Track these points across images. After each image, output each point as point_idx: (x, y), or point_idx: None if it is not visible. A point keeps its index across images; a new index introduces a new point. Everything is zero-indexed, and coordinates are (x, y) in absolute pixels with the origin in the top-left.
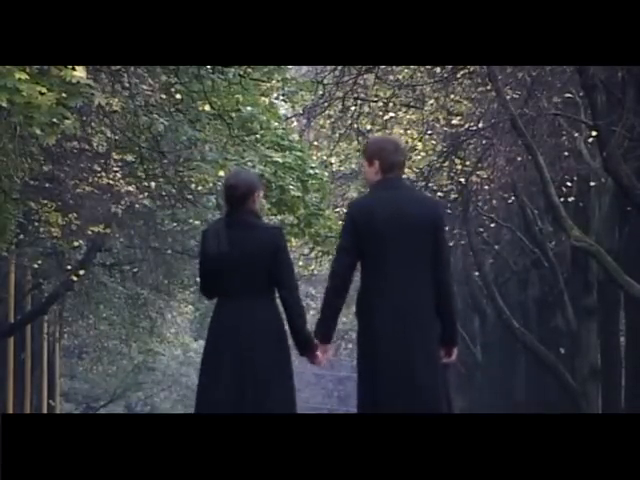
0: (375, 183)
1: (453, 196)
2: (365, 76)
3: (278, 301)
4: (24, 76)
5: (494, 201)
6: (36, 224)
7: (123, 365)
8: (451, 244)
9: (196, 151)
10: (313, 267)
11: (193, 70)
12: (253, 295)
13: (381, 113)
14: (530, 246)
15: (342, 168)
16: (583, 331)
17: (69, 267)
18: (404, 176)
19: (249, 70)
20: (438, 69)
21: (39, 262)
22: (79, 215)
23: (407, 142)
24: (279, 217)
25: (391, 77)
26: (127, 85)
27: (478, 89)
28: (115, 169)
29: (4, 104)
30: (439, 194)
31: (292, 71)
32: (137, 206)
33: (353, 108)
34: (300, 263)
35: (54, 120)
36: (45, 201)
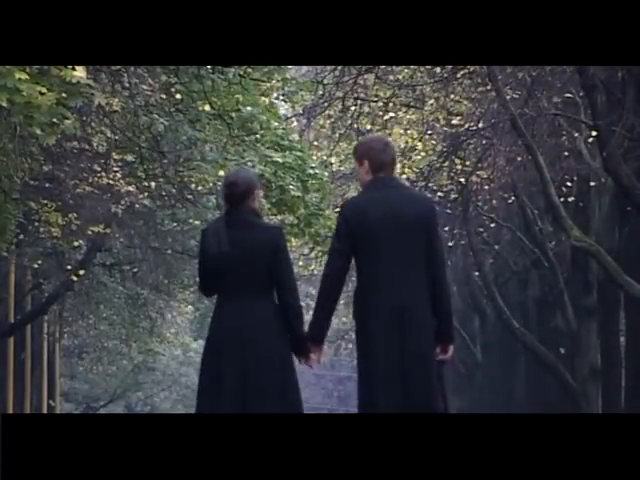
0: (367, 183)
1: (453, 196)
2: (365, 76)
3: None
4: (24, 76)
5: (494, 201)
6: (36, 224)
7: (123, 365)
8: (451, 244)
9: (196, 151)
10: (313, 267)
11: (193, 70)
12: (253, 294)
13: (381, 113)
14: (530, 246)
15: (342, 168)
16: (583, 331)
17: (69, 267)
18: (404, 176)
19: (249, 70)
20: (438, 69)
21: (39, 262)
22: (79, 215)
23: (407, 142)
24: (279, 217)
25: (391, 77)
26: (127, 85)
27: (478, 89)
28: (115, 169)
29: (4, 104)
30: (439, 194)
31: (292, 71)
32: (137, 206)
33: (353, 108)
34: (300, 263)
35: (54, 120)
36: (45, 201)
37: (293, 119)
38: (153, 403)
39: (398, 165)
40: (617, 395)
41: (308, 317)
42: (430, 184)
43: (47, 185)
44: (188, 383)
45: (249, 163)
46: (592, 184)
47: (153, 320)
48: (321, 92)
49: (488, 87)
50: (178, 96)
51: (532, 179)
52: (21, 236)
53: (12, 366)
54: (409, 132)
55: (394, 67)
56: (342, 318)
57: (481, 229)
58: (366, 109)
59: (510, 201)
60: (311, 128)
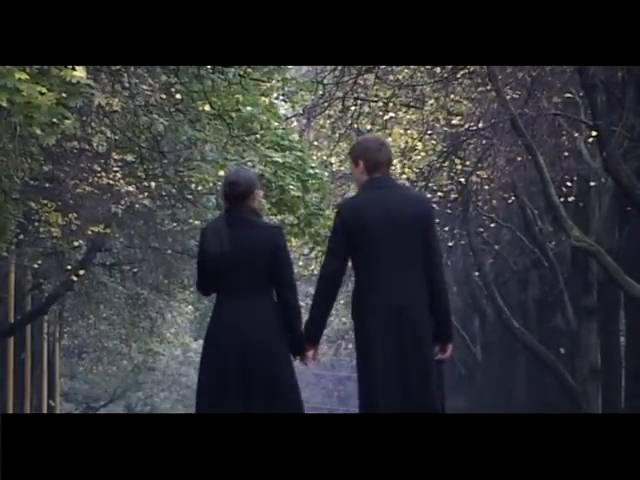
0: (363, 183)
1: (453, 196)
2: (365, 76)
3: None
4: (24, 76)
5: (494, 201)
6: (36, 224)
7: (123, 365)
8: (451, 244)
9: (196, 151)
10: (313, 267)
11: (193, 70)
12: (253, 293)
13: (381, 113)
14: (530, 246)
15: (342, 168)
16: (583, 331)
17: (69, 267)
18: (404, 176)
19: (249, 70)
20: (438, 69)
21: (39, 262)
22: (79, 215)
23: (407, 142)
24: (279, 217)
25: (391, 77)
26: (127, 85)
27: (478, 89)
28: (115, 169)
29: (4, 104)
30: (439, 194)
31: (292, 71)
32: (137, 206)
33: (353, 108)
34: (300, 263)
35: (54, 120)
36: (45, 201)
37: (293, 119)
38: (153, 403)
39: (398, 165)
40: (617, 395)
41: (306, 317)
42: (430, 184)
43: (47, 185)
44: (188, 383)
45: (249, 163)
46: (592, 184)
47: (153, 320)
48: (321, 92)
49: (488, 87)
50: (178, 96)
51: (532, 179)
52: (21, 236)
53: (12, 366)
54: (409, 132)
55: (394, 67)
56: (342, 318)
57: (481, 229)
58: (366, 109)
59: (510, 201)
60: (311, 128)
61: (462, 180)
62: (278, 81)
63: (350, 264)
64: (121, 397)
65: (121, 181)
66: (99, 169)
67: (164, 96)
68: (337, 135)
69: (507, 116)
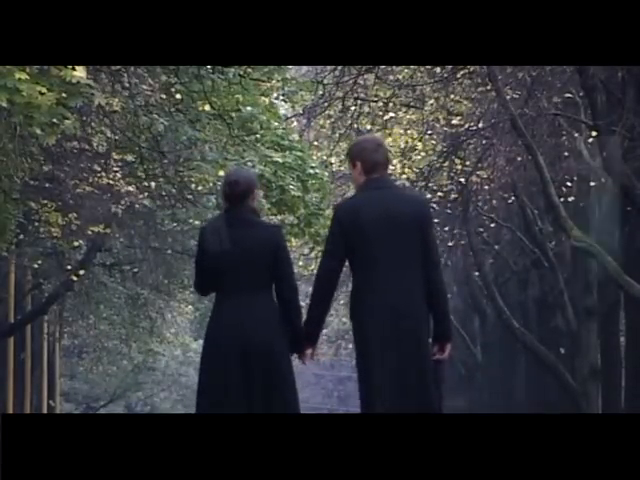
0: (361, 184)
1: (453, 196)
2: (365, 76)
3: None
4: (24, 76)
5: (494, 201)
6: (36, 224)
7: (123, 365)
8: (451, 244)
9: (196, 151)
10: (313, 267)
11: (193, 70)
12: (252, 293)
13: (381, 113)
14: (530, 246)
15: (342, 168)
16: (583, 331)
17: (69, 267)
18: (404, 176)
19: (249, 70)
20: (438, 69)
21: (39, 262)
22: (79, 215)
23: (407, 142)
24: (279, 217)
25: (391, 77)
26: (127, 85)
27: (478, 89)
28: (115, 169)
29: (4, 104)
30: (439, 194)
31: (292, 71)
32: (137, 206)
33: (353, 108)
34: (300, 263)
35: (54, 120)
36: (45, 201)
37: (293, 119)
38: (153, 403)
39: (398, 165)
40: (617, 395)
41: (305, 317)
42: (430, 184)
43: (47, 185)
44: (188, 383)
45: (249, 163)
46: (592, 184)
47: (153, 320)
48: (321, 92)
49: (488, 87)
50: (178, 96)
51: (532, 179)
52: (21, 236)
53: (12, 366)
54: (409, 132)
55: (394, 67)
56: (342, 318)
57: (481, 229)
58: (366, 109)
59: (510, 201)
60: (311, 128)
61: (462, 180)
62: (278, 81)
63: (348, 265)
64: (121, 397)
65: (121, 181)
66: (99, 169)
67: (164, 96)
68: (337, 135)
69: (507, 116)
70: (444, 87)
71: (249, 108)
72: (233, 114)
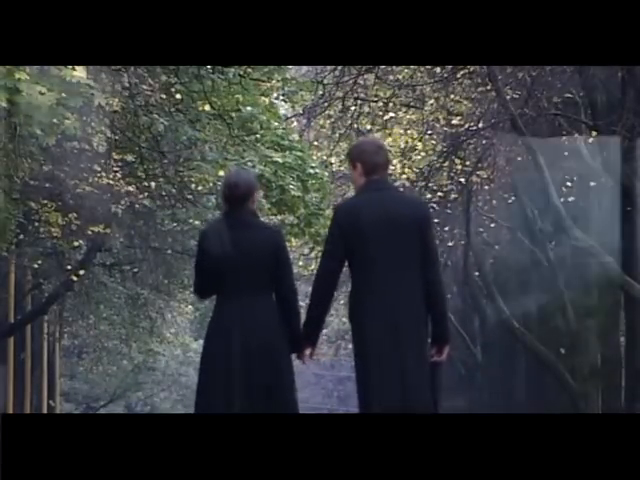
0: (361, 185)
1: (453, 196)
2: (365, 76)
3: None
4: (24, 76)
5: (494, 201)
6: (36, 224)
7: (123, 365)
8: (451, 244)
9: (196, 151)
10: (313, 267)
11: (193, 70)
12: (253, 294)
13: (381, 113)
14: (530, 246)
15: (342, 168)
16: (583, 331)
17: (69, 267)
18: (404, 176)
19: (249, 70)
20: (438, 69)
21: (39, 262)
22: (79, 215)
23: (407, 142)
24: (279, 217)
25: (391, 77)
26: (127, 85)
27: (478, 89)
28: (115, 169)
29: (4, 104)
30: (439, 194)
31: (292, 71)
32: (137, 206)
33: (353, 108)
34: (300, 263)
35: (54, 120)
36: (45, 201)
37: (293, 119)
38: (153, 403)
39: (398, 165)
40: (617, 395)
41: (304, 318)
42: (430, 184)
43: (47, 185)
44: (188, 383)
45: (249, 163)
46: (592, 184)
47: (153, 320)
48: (321, 92)
49: (488, 87)
50: (178, 96)
51: (532, 179)
52: (21, 236)
53: (12, 366)
54: (409, 132)
55: (394, 67)
56: (342, 318)
57: (481, 229)
58: (366, 109)
59: (510, 201)
60: (311, 128)
61: (462, 180)
62: (278, 81)
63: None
64: (121, 397)
65: (121, 181)
66: (99, 169)
67: (164, 96)
68: (337, 135)
69: (507, 116)
70: (444, 87)
71: (249, 108)
72: (233, 114)
